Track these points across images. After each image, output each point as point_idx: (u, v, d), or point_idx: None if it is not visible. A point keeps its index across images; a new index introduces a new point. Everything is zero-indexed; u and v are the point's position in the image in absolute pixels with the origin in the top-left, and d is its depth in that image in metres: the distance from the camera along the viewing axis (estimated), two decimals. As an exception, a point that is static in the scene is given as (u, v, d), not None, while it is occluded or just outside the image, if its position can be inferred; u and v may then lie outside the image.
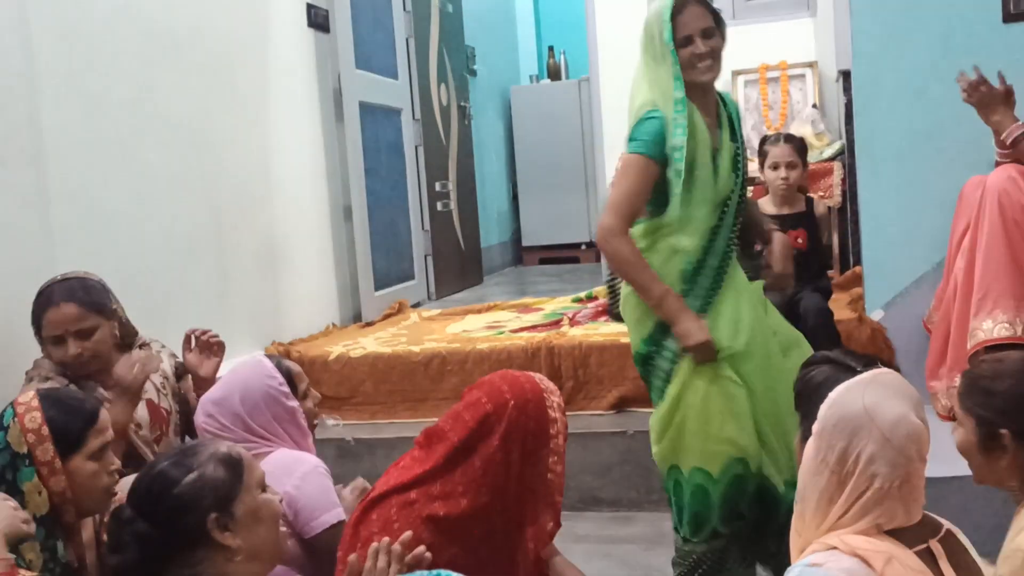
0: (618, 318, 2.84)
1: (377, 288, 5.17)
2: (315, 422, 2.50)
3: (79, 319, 2.50)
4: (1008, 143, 3.00)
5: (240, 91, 4.24)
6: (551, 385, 2.12)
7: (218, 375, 2.70)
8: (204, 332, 2.77)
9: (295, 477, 2.21)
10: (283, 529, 1.80)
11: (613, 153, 5.63)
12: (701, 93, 2.56)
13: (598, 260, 6.76)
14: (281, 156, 4.52)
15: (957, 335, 3.11)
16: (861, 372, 1.57)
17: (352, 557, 1.82)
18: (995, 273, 2.96)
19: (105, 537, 1.84)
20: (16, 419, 1.82)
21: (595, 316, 4.49)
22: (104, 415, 1.93)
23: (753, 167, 4.04)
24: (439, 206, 6.03)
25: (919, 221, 3.46)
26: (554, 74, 8.16)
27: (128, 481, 1.81)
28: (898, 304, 3.54)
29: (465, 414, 2.05)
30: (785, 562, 1.85)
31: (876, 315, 3.60)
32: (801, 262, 3.40)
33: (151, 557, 1.64)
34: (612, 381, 3.81)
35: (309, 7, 4.79)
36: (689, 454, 2.55)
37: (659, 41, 2.55)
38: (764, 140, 3.79)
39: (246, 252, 4.22)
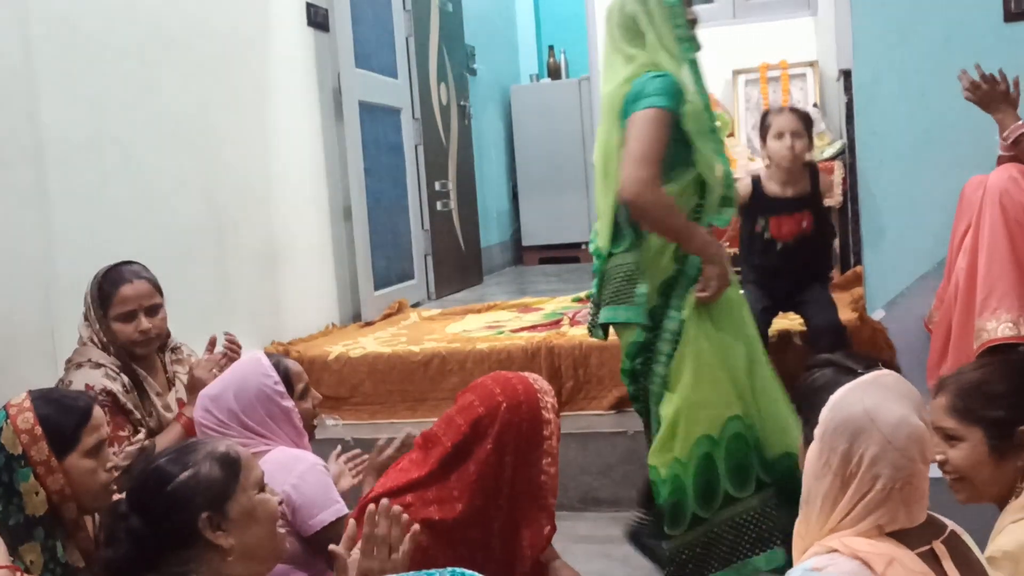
0: (596, 333, 2.81)
1: (377, 288, 5.16)
2: (314, 423, 2.49)
3: (150, 296, 2.68)
4: (1009, 142, 3.00)
5: (240, 90, 4.24)
6: (545, 386, 2.12)
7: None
8: (234, 342, 2.83)
9: (294, 475, 2.20)
10: (282, 530, 1.79)
11: (613, 152, 5.63)
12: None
13: (598, 260, 6.74)
14: (281, 155, 4.51)
15: (958, 335, 3.11)
16: (862, 374, 1.56)
17: (351, 525, 1.81)
18: (998, 273, 2.96)
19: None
20: (8, 421, 1.82)
21: (595, 316, 4.49)
22: (98, 412, 1.93)
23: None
24: (439, 206, 6.03)
25: (920, 221, 3.46)
26: (554, 73, 8.16)
27: None
28: (899, 304, 3.54)
29: (458, 418, 2.05)
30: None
31: (877, 315, 3.60)
32: (807, 247, 3.40)
33: (143, 553, 1.63)
34: (612, 381, 3.80)
35: (309, 6, 4.79)
36: (697, 425, 2.55)
37: (658, 6, 2.60)
38: (766, 113, 3.50)
39: (246, 251, 4.21)
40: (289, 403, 2.35)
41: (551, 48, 8.22)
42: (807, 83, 5.56)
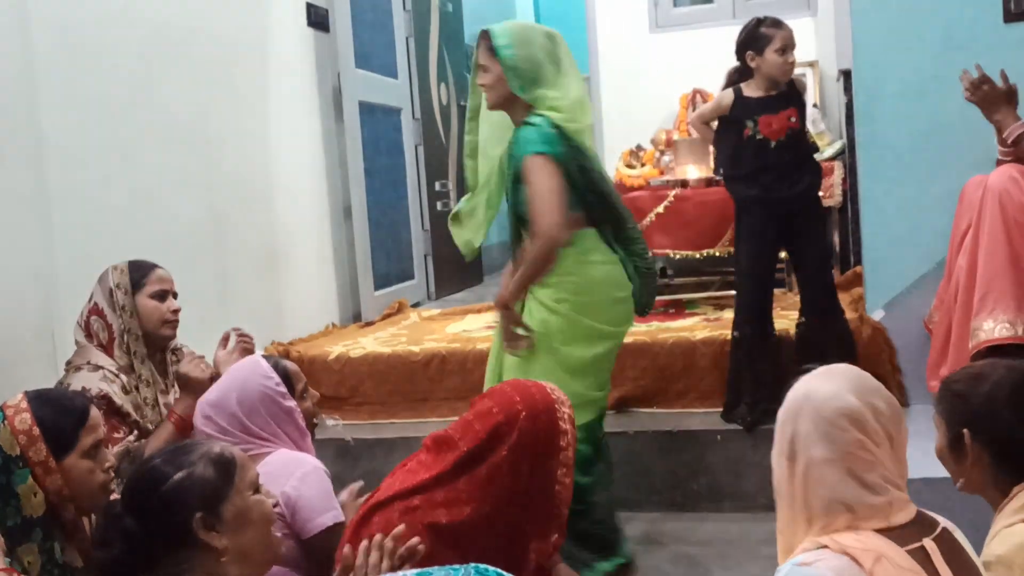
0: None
1: (377, 288, 5.16)
2: (314, 421, 2.50)
3: (172, 283, 2.78)
4: (1009, 142, 3.00)
5: (240, 91, 4.24)
6: (562, 396, 2.12)
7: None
8: (243, 334, 2.87)
9: (294, 478, 2.20)
10: (277, 533, 1.78)
11: (613, 152, 5.64)
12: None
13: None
14: (281, 156, 4.51)
15: (958, 335, 3.10)
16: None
17: (346, 550, 1.81)
18: (996, 273, 2.96)
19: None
20: (5, 422, 1.81)
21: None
22: (95, 413, 1.93)
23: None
24: (439, 206, 6.02)
25: (920, 221, 3.45)
26: (554, 73, 8.13)
27: None
28: (899, 304, 3.54)
29: (476, 423, 2.04)
30: None
31: (877, 315, 3.60)
32: (798, 143, 3.46)
33: (136, 553, 1.63)
34: (612, 381, 3.78)
35: (309, 6, 4.79)
36: None
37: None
38: (760, 22, 3.49)
39: (246, 252, 4.21)
40: (292, 403, 2.35)
41: (551, 48, 8.19)
42: (807, 83, 5.56)
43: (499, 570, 1.24)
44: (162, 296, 2.73)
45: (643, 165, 5.36)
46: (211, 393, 2.36)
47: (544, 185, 2.74)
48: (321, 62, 4.89)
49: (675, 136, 5.52)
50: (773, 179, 3.44)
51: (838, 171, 4.77)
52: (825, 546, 1.48)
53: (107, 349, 2.66)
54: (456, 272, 6.28)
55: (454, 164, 6.35)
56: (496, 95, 2.89)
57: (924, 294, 3.42)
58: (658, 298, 4.86)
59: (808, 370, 1.69)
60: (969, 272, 3.05)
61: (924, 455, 2.91)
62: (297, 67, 4.72)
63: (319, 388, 3.99)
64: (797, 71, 5.50)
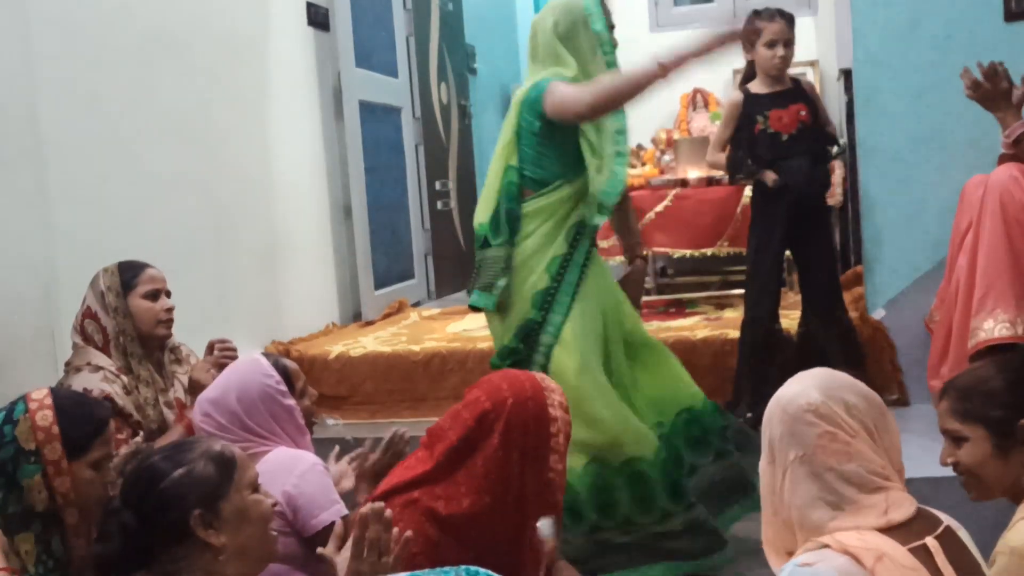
0: (474, 307, 2.88)
1: (377, 287, 5.16)
2: (313, 420, 2.50)
3: (165, 281, 2.77)
4: (1011, 141, 2.99)
5: (240, 90, 4.23)
6: (553, 384, 2.12)
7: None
8: (224, 348, 2.82)
9: (294, 476, 2.20)
10: (275, 532, 1.79)
11: (613, 152, 5.62)
12: None
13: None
14: (281, 155, 4.51)
15: (959, 334, 3.10)
16: None
17: (338, 524, 1.81)
18: (996, 272, 2.96)
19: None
20: (28, 415, 1.81)
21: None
22: (111, 427, 1.93)
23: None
24: (439, 205, 6.02)
25: (920, 220, 3.45)
26: (554, 73, 8.13)
27: None
28: (899, 303, 3.54)
29: (464, 412, 2.06)
30: None
31: (877, 314, 3.60)
32: (808, 137, 3.47)
33: (135, 549, 1.63)
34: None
35: (309, 5, 4.79)
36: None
37: (586, 38, 2.75)
38: (755, 15, 3.48)
39: (246, 251, 4.21)
40: (291, 402, 2.35)
41: (551, 47, 8.18)
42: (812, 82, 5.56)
43: (489, 572, 1.24)
44: (154, 296, 2.71)
45: (643, 164, 5.37)
46: (211, 391, 2.36)
47: (580, 87, 2.69)
48: (321, 61, 4.89)
49: (675, 135, 5.53)
50: (787, 170, 3.45)
51: (838, 170, 4.77)
52: (827, 545, 1.48)
53: (104, 351, 2.66)
54: (456, 271, 6.28)
55: (454, 163, 6.34)
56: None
57: (925, 293, 3.42)
58: (658, 297, 4.89)
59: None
60: (970, 271, 3.05)
61: (925, 454, 2.91)
62: (297, 66, 4.72)
63: (319, 387, 3.99)
64: (797, 70, 5.54)
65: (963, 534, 1.60)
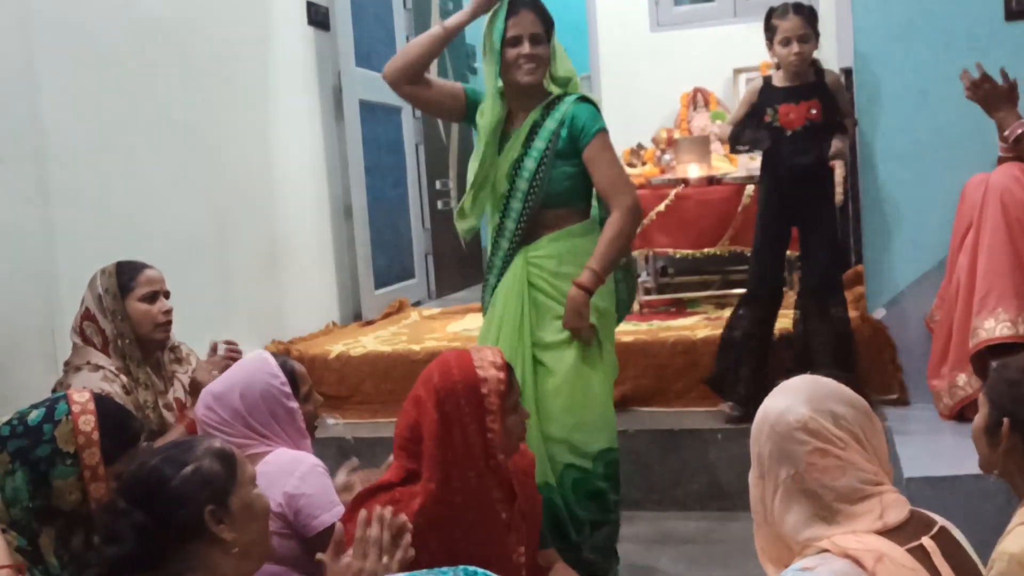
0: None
1: (377, 287, 5.16)
2: (315, 425, 2.49)
3: (163, 282, 2.74)
4: (1010, 141, 2.99)
5: (240, 89, 4.23)
6: (488, 351, 2.13)
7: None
8: (231, 349, 2.82)
9: (295, 477, 2.20)
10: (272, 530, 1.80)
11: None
12: (522, 95, 2.73)
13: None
14: (281, 154, 4.51)
15: (959, 334, 3.10)
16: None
17: (338, 528, 1.81)
18: (997, 272, 2.95)
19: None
20: (70, 416, 1.81)
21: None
22: (142, 443, 1.93)
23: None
24: (439, 204, 6.02)
25: (921, 219, 3.45)
26: (555, 72, 8.13)
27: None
28: (900, 303, 3.54)
29: (407, 407, 2.11)
30: None
31: (878, 313, 3.60)
32: (816, 134, 3.45)
33: (149, 549, 1.63)
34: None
35: (309, 5, 4.78)
36: None
37: (489, 40, 2.74)
38: (771, 13, 3.46)
39: (246, 250, 4.21)
40: (294, 404, 2.34)
41: (552, 47, 8.18)
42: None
43: (487, 572, 1.24)
44: (152, 298, 2.69)
45: (644, 164, 5.35)
46: (216, 385, 2.35)
47: (618, 160, 2.75)
48: (322, 61, 4.89)
49: (676, 135, 5.52)
50: (784, 172, 3.47)
51: (839, 170, 4.76)
52: (826, 550, 1.48)
53: (103, 353, 2.65)
54: (457, 271, 6.28)
55: (455, 163, 6.35)
56: (543, 73, 2.76)
57: (925, 293, 3.42)
58: (659, 297, 4.88)
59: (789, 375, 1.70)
60: (970, 271, 3.05)
61: (925, 454, 2.92)
62: (298, 66, 4.72)
63: (320, 387, 3.98)
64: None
65: (957, 533, 1.60)
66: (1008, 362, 1.91)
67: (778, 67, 3.55)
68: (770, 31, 3.46)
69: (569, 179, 2.73)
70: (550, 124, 2.71)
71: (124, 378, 2.62)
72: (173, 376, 2.81)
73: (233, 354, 2.81)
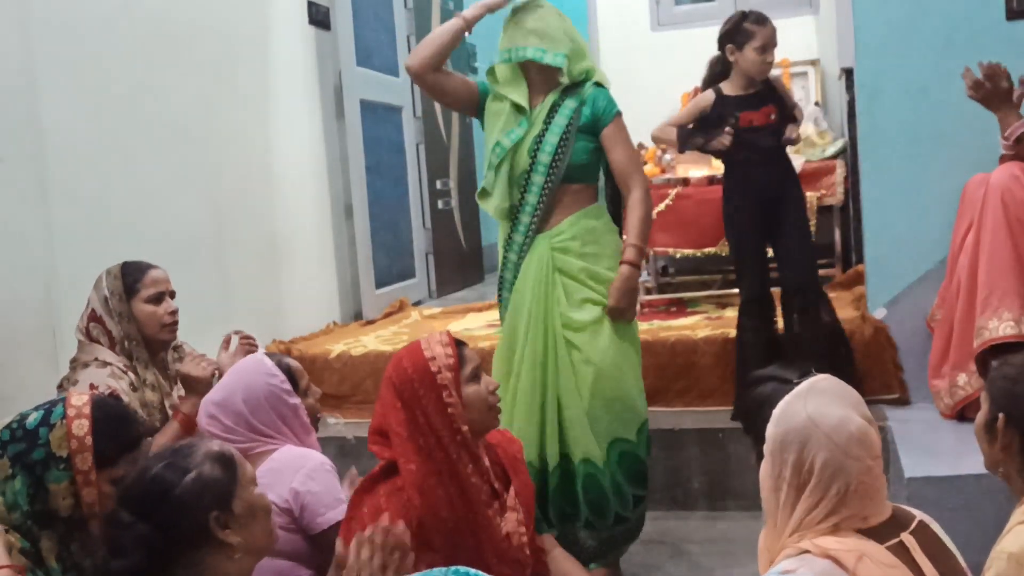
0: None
1: (378, 286, 5.16)
2: (318, 417, 2.51)
3: (168, 282, 2.74)
4: (1012, 140, 2.99)
5: (241, 89, 4.23)
6: (436, 335, 2.18)
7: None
8: (246, 336, 2.84)
9: (301, 474, 2.22)
10: (276, 528, 1.80)
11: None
12: (538, 80, 2.88)
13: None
14: (282, 154, 4.51)
15: (960, 333, 3.10)
16: (797, 383, 1.59)
17: (338, 546, 1.83)
18: (1000, 272, 2.95)
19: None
20: (65, 421, 1.80)
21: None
22: (145, 446, 1.91)
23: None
24: (440, 204, 6.03)
25: (922, 219, 3.45)
26: (555, 72, 8.12)
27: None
28: (901, 302, 3.54)
29: (375, 410, 2.16)
30: None
31: (879, 313, 3.59)
32: (773, 134, 3.48)
33: (155, 559, 1.63)
34: (614, 380, 3.80)
35: (310, 4, 4.78)
36: None
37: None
38: (744, 17, 3.45)
39: (247, 250, 4.21)
40: (296, 400, 2.37)
41: (552, 46, 8.17)
42: (809, 81, 5.56)
43: (479, 572, 1.25)
44: (158, 299, 2.69)
45: (644, 163, 5.35)
46: (215, 393, 2.36)
47: (632, 144, 2.92)
48: (322, 60, 4.89)
49: (676, 134, 5.51)
50: (748, 152, 3.47)
51: (840, 169, 4.77)
52: (807, 551, 1.49)
53: (121, 342, 2.66)
54: (457, 270, 6.28)
55: (455, 162, 6.34)
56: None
57: (926, 292, 3.42)
58: (660, 296, 4.89)
59: (762, 379, 1.68)
60: (971, 271, 3.05)
61: (925, 454, 2.92)
62: (298, 65, 4.72)
63: (320, 386, 3.97)
64: (798, 70, 5.55)
65: (936, 527, 1.61)
66: (1007, 359, 1.91)
67: (720, 75, 3.54)
68: (743, 35, 3.42)
69: (588, 154, 2.88)
70: (570, 103, 2.87)
71: (131, 375, 2.63)
72: (177, 376, 2.82)
73: (248, 343, 2.82)
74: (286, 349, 4.13)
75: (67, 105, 3.19)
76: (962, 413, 3.11)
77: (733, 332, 3.65)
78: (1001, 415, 1.79)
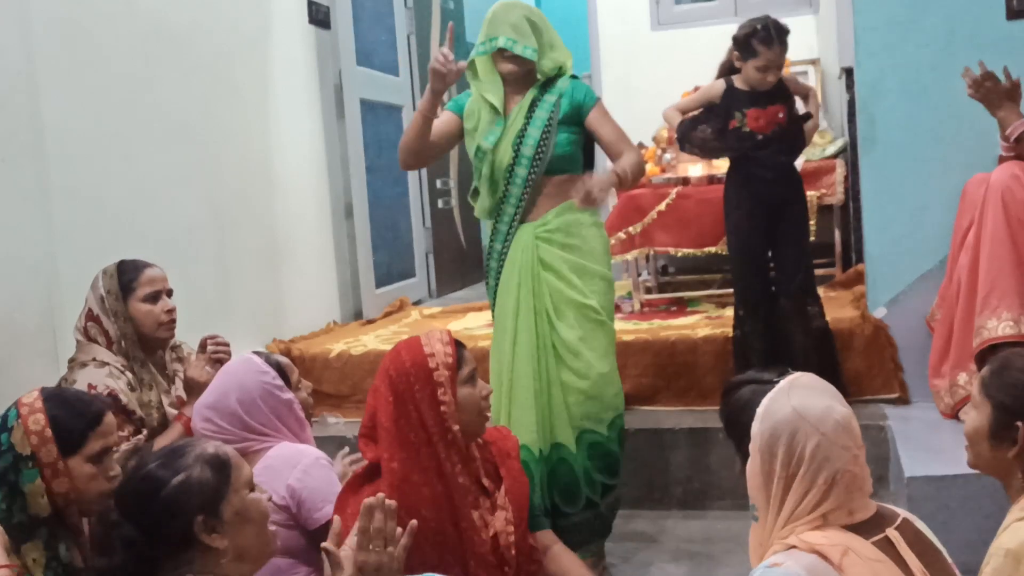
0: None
1: (378, 285, 5.16)
2: (312, 414, 2.51)
3: (165, 281, 2.74)
4: (1012, 139, 2.99)
5: (241, 88, 4.23)
6: (436, 332, 2.20)
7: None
8: (217, 344, 2.79)
9: (298, 470, 2.21)
10: (272, 529, 1.79)
11: (615, 150, 5.62)
12: (514, 82, 2.94)
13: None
14: (282, 153, 4.51)
15: (960, 333, 3.10)
16: (777, 382, 1.61)
17: (330, 542, 1.82)
18: (999, 271, 2.96)
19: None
20: (20, 420, 1.81)
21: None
22: (109, 419, 1.92)
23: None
24: (440, 203, 6.03)
25: (922, 219, 3.45)
26: (555, 71, 8.12)
27: None
28: (901, 302, 3.54)
29: (367, 399, 2.18)
30: None
31: (879, 313, 3.60)
32: (783, 136, 3.46)
33: (139, 561, 1.63)
34: (614, 379, 3.80)
35: (310, 4, 4.78)
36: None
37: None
38: (753, 32, 3.39)
39: (247, 249, 4.21)
40: (290, 395, 2.37)
41: (552, 46, 8.17)
42: (808, 81, 5.56)
43: None
44: (155, 298, 2.69)
45: (645, 163, 5.35)
46: (208, 396, 2.35)
47: (617, 122, 2.98)
48: (322, 59, 4.88)
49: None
50: (758, 165, 3.45)
51: (840, 169, 4.76)
52: (793, 546, 1.51)
53: (118, 342, 2.66)
54: (457, 270, 6.28)
55: (455, 162, 6.34)
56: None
57: (926, 292, 3.42)
58: (660, 296, 4.89)
59: (741, 383, 1.69)
60: (971, 270, 3.05)
61: (925, 453, 2.92)
62: (298, 64, 4.72)
63: (320, 386, 3.99)
64: (798, 69, 5.54)
65: (920, 524, 1.63)
66: (1006, 363, 1.89)
67: (733, 69, 3.53)
68: (748, 51, 3.40)
69: (571, 144, 2.94)
70: (549, 98, 2.93)
71: (129, 375, 2.63)
72: (175, 375, 2.82)
73: (221, 348, 2.77)
74: (286, 348, 4.13)
75: (67, 105, 3.19)
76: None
77: (732, 331, 3.65)
78: (1020, 424, 1.77)
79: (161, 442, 2.52)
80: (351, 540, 1.82)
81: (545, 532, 2.37)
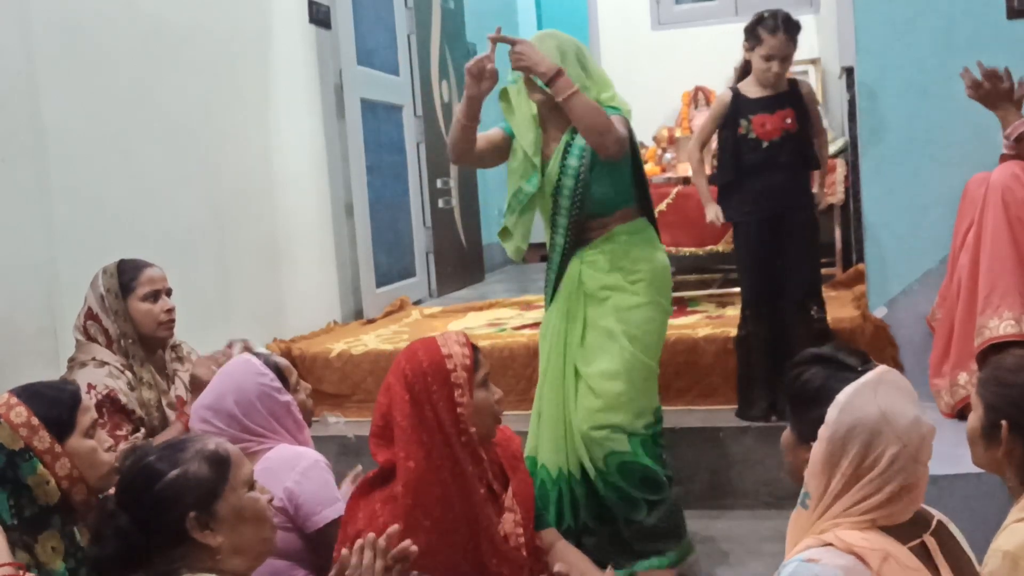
0: None
1: (378, 285, 5.16)
2: (313, 416, 2.51)
3: (164, 280, 2.75)
4: (1012, 139, 2.99)
5: (241, 88, 4.23)
6: (453, 334, 2.19)
7: None
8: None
9: (296, 472, 2.21)
10: (271, 529, 1.79)
11: (615, 150, 5.62)
12: (552, 115, 2.87)
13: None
14: (282, 153, 4.51)
15: (961, 332, 3.10)
16: (861, 371, 1.57)
17: (344, 552, 1.82)
18: (1000, 271, 2.96)
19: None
20: (1, 420, 1.81)
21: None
22: (84, 396, 1.94)
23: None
24: (441, 203, 6.02)
25: (922, 218, 3.45)
26: (556, 71, 8.12)
27: None
28: (901, 301, 3.54)
29: (379, 397, 2.17)
30: None
31: (879, 312, 3.59)
32: (791, 145, 3.44)
33: (130, 551, 1.63)
34: (614, 379, 3.80)
35: (311, 3, 4.78)
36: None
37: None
38: (759, 21, 3.41)
39: (247, 249, 4.21)
40: (287, 397, 2.36)
41: (553, 45, 8.18)
42: (809, 80, 5.56)
43: None
44: (154, 297, 2.70)
45: (645, 162, 5.36)
46: (205, 396, 2.35)
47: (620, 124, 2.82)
48: (323, 59, 4.88)
49: (677, 133, 5.52)
50: (763, 184, 3.43)
51: (840, 168, 4.77)
52: (830, 543, 1.47)
53: (118, 341, 2.66)
54: (458, 270, 6.28)
55: (455, 161, 6.34)
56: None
57: (927, 291, 3.42)
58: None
59: (813, 358, 1.66)
60: (972, 269, 3.05)
61: (926, 453, 2.92)
62: (299, 64, 4.72)
63: (320, 385, 4.00)
64: (798, 69, 5.54)
65: (953, 528, 1.61)
66: (1006, 362, 1.89)
67: (745, 74, 3.53)
68: (753, 39, 3.42)
69: (607, 183, 2.84)
70: (580, 141, 2.82)
71: (128, 374, 2.63)
72: (175, 375, 2.82)
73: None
74: (286, 348, 4.14)
75: (67, 105, 3.19)
76: (963, 412, 3.11)
77: (734, 331, 3.65)
78: (1005, 423, 1.78)
79: (160, 440, 2.52)
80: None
81: (548, 530, 2.37)
